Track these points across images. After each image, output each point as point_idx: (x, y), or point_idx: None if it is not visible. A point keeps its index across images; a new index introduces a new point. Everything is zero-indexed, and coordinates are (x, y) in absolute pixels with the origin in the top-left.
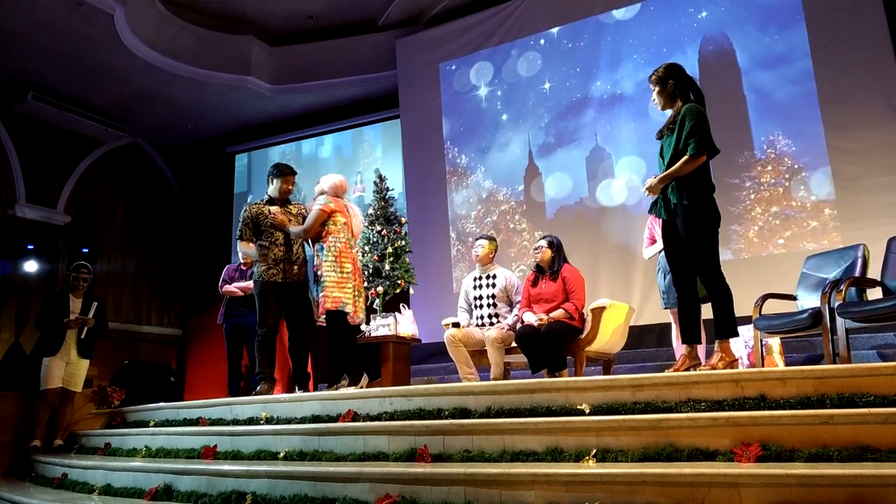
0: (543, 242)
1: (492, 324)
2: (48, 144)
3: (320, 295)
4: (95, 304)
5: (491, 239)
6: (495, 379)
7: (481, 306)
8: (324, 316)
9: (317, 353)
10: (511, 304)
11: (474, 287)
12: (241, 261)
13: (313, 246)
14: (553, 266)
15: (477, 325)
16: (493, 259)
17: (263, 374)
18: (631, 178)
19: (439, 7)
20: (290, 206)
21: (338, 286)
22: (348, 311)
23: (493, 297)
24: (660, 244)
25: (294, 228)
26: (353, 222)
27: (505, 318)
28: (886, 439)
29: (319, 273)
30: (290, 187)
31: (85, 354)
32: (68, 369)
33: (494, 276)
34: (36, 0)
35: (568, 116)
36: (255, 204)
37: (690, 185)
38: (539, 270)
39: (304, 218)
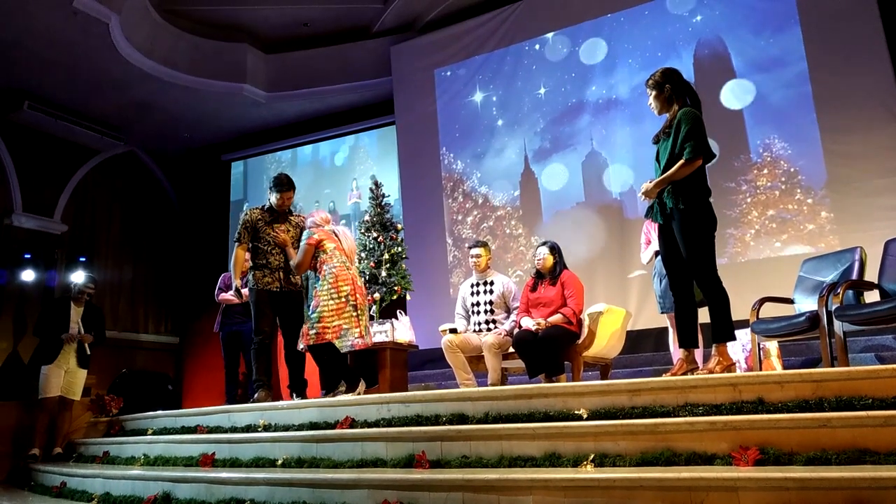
0: (545, 250)
1: (489, 330)
2: (44, 153)
3: (316, 326)
4: (92, 318)
5: (485, 245)
6: (493, 384)
7: (478, 312)
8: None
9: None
10: (508, 311)
11: (472, 293)
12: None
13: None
14: (554, 271)
15: (474, 331)
16: (490, 264)
17: (261, 381)
18: (627, 182)
19: (434, 13)
20: (291, 217)
21: (337, 314)
22: (353, 338)
23: (491, 303)
24: (655, 245)
25: (291, 258)
26: (344, 243)
27: (502, 324)
28: (885, 442)
29: (314, 305)
30: (288, 203)
31: (83, 364)
32: (67, 378)
33: (492, 283)
34: (31, 10)
35: (563, 121)
36: (256, 209)
37: (686, 190)
38: (538, 276)
39: (302, 230)
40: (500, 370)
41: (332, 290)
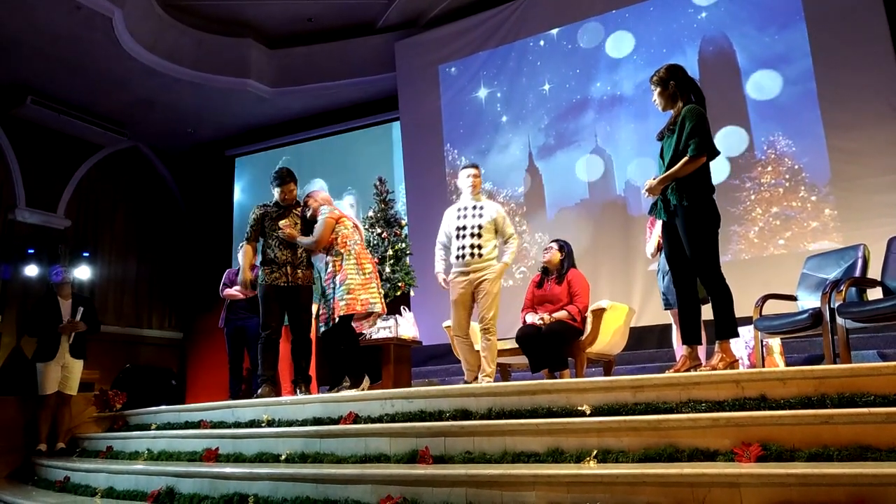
0: (554, 244)
1: (472, 255)
2: (48, 149)
3: (346, 297)
4: (81, 308)
5: (476, 166)
6: (487, 377)
7: (463, 237)
8: (338, 317)
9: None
10: (500, 235)
11: (458, 217)
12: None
13: (329, 255)
14: (561, 269)
15: (456, 256)
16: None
17: (265, 376)
18: (631, 179)
19: (438, 9)
20: (297, 210)
21: (364, 288)
22: (377, 311)
23: (480, 227)
24: (656, 237)
25: (304, 240)
26: (359, 224)
27: (491, 252)
28: (886, 439)
29: (341, 279)
30: (290, 196)
31: (78, 355)
32: (63, 372)
33: (482, 208)
34: (34, 4)
35: (568, 118)
36: (263, 205)
37: (690, 187)
38: (545, 272)
39: (308, 220)
40: (497, 358)
41: (357, 267)
